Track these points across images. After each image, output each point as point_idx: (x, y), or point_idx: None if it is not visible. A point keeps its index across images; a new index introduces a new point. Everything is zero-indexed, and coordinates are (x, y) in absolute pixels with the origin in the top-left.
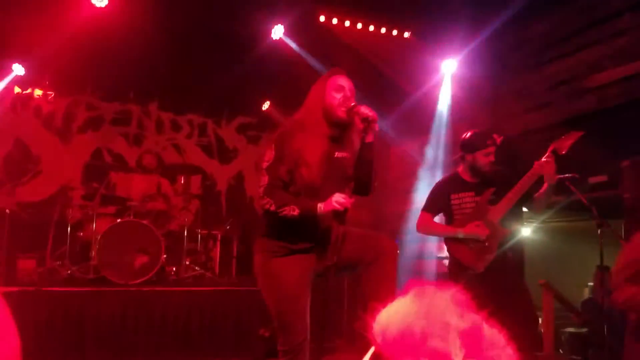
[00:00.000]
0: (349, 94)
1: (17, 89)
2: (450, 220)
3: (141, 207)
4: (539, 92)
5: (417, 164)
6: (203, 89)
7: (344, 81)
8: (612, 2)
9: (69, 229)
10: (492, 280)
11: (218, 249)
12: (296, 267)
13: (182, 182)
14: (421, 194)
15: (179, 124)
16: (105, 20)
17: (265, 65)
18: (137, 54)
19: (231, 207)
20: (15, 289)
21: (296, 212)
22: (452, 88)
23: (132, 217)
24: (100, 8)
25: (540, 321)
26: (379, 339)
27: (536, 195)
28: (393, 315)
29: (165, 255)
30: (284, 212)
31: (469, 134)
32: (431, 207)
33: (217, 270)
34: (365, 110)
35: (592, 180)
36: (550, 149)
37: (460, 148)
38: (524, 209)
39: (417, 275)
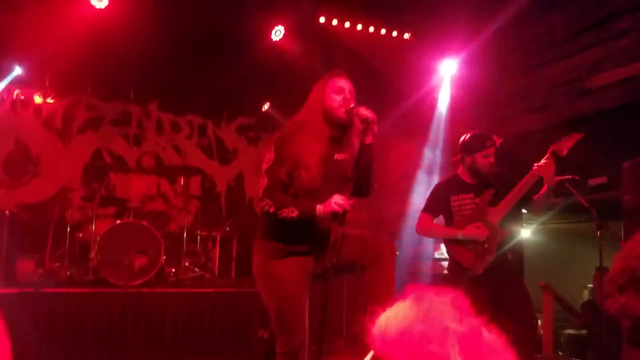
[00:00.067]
0: (348, 95)
1: (17, 90)
2: (449, 221)
3: (141, 208)
4: (538, 93)
5: (417, 166)
6: (203, 89)
7: (344, 83)
8: (612, 3)
9: (68, 230)
10: (492, 282)
11: (218, 250)
12: (294, 268)
13: (182, 183)
14: (420, 196)
15: (179, 125)
16: (106, 21)
17: (265, 66)
18: (137, 55)
19: (231, 208)
20: (14, 290)
21: (295, 214)
22: (451, 89)
23: (131, 218)
24: (100, 9)
25: (539, 322)
26: (378, 343)
27: (536, 197)
28: (392, 319)
29: (164, 257)
30: (283, 214)
31: (468, 136)
32: (431, 208)
33: (216, 271)
34: (364, 111)
35: (592, 182)
36: (550, 150)
37: (460, 149)
38: (524, 211)
39: (416, 276)
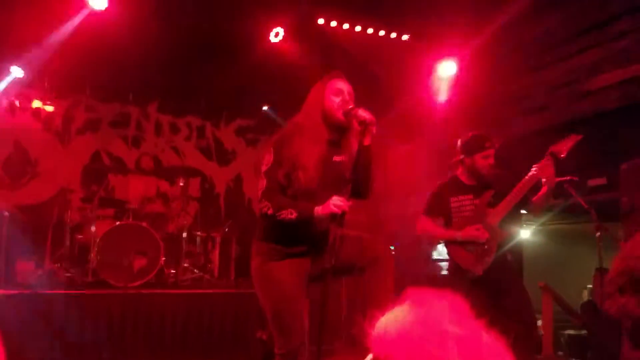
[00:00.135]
0: (347, 97)
1: (16, 92)
2: (449, 223)
3: (140, 209)
4: (538, 95)
5: (416, 167)
6: (202, 91)
7: (342, 84)
8: (611, 5)
9: (68, 231)
10: (491, 283)
11: (217, 252)
12: (292, 270)
13: (181, 184)
14: (419, 197)
15: (178, 127)
16: (105, 23)
17: (264, 68)
18: (136, 56)
19: (230, 209)
20: (14, 291)
21: (294, 216)
22: (450, 91)
23: (130, 219)
24: (100, 11)
25: (539, 323)
26: (377, 345)
27: (535, 198)
28: (391, 321)
29: (164, 258)
30: (282, 216)
31: (467, 137)
32: (430, 210)
33: (216, 272)
34: (363, 113)
35: (591, 183)
36: (549, 151)
37: (459, 151)
38: (523, 212)
39: (415, 278)
